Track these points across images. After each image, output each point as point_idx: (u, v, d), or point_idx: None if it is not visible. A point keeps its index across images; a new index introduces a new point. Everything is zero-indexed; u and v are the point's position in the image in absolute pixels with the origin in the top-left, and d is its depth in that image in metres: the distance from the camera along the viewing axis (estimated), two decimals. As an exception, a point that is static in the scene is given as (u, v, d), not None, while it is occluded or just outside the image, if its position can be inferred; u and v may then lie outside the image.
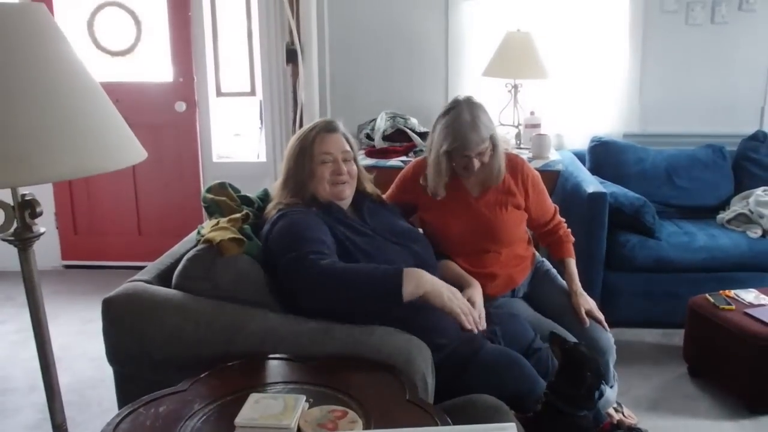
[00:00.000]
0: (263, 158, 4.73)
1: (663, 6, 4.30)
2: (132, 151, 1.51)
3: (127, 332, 1.92)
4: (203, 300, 1.97)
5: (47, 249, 4.64)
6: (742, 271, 3.55)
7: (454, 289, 2.02)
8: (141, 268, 2.16)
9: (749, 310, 2.98)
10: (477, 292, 2.34)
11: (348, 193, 2.32)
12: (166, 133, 4.60)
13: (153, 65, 4.64)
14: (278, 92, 4.52)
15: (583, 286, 2.63)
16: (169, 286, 2.06)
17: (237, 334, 1.89)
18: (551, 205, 2.71)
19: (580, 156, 4.19)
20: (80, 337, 3.68)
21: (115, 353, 1.95)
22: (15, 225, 1.50)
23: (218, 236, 2.01)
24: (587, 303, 2.54)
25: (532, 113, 4.18)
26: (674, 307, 3.42)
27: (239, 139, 5.05)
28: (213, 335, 1.89)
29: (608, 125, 4.42)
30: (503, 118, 4.23)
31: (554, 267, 2.76)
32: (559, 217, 2.72)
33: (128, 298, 1.95)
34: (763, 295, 3.11)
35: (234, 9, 4.57)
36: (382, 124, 4.07)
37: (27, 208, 1.50)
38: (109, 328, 1.94)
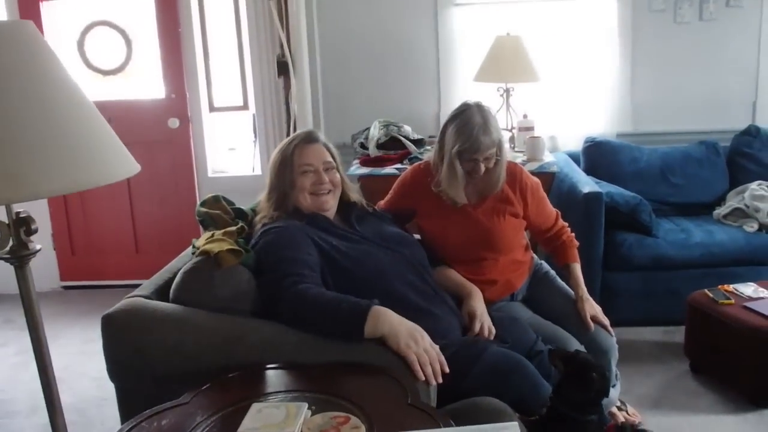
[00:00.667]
0: (258, 171, 4.73)
1: (651, 5, 4.32)
2: (125, 164, 1.51)
3: (127, 347, 1.92)
4: (202, 312, 1.96)
5: (45, 270, 4.64)
6: (740, 266, 3.55)
7: (420, 333, 1.87)
8: (139, 286, 2.16)
9: (749, 304, 2.98)
10: (478, 302, 2.34)
11: (331, 203, 2.32)
12: (160, 149, 4.61)
13: (145, 83, 4.65)
14: (271, 105, 4.52)
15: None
16: (167, 300, 2.06)
17: (237, 345, 1.89)
18: (552, 211, 2.70)
19: (574, 157, 4.20)
20: (81, 357, 3.67)
21: (116, 369, 1.95)
22: (11, 243, 1.50)
23: (216, 247, 2.01)
24: (593, 308, 2.53)
25: (525, 116, 4.19)
26: (674, 305, 3.42)
27: (234, 154, 5.05)
28: (213, 347, 1.89)
29: (601, 125, 4.44)
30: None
31: (558, 272, 2.74)
32: (561, 222, 2.71)
33: (127, 314, 1.95)
34: (762, 289, 3.12)
35: (224, 23, 4.58)
36: (375, 132, 4.08)
37: (22, 225, 1.50)
38: (109, 344, 1.94)
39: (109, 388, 2.02)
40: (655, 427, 2.64)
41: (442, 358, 1.85)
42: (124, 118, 4.39)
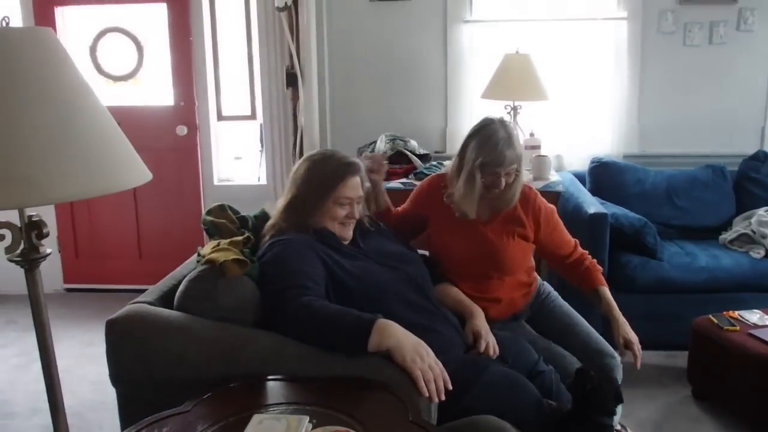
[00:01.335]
0: (264, 181, 4.75)
1: (661, 27, 4.33)
2: (137, 172, 1.52)
3: (129, 353, 1.92)
4: (205, 321, 1.96)
5: (49, 272, 4.63)
6: (746, 292, 3.55)
7: (425, 349, 1.86)
8: (142, 291, 2.16)
9: (753, 331, 2.96)
10: (481, 321, 2.33)
11: (351, 233, 2.32)
12: (167, 156, 4.62)
13: (154, 90, 4.68)
14: (278, 116, 4.55)
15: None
16: (171, 307, 2.06)
17: (239, 355, 1.88)
18: (570, 239, 2.65)
19: (580, 177, 4.21)
20: (81, 360, 3.66)
21: (117, 374, 1.94)
22: (22, 246, 1.51)
23: (221, 257, 2.01)
24: (628, 334, 2.44)
25: (531, 134, 4.20)
26: (677, 329, 3.41)
27: (240, 163, 5.06)
28: (215, 356, 1.89)
29: (608, 146, 4.44)
30: (503, 140, 4.24)
31: (583, 298, 2.66)
32: (581, 250, 2.65)
33: (131, 320, 1.95)
34: (767, 316, 3.10)
35: (234, 33, 4.61)
36: (382, 146, 4.09)
37: (34, 229, 1.50)
38: (111, 349, 1.93)
39: (109, 393, 2.02)
40: (656, 452, 2.63)
41: (446, 375, 1.84)
42: (132, 124, 4.38)
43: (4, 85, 1.34)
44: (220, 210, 2.38)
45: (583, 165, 4.35)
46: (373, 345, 1.83)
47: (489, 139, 2.41)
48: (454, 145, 4.47)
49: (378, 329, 1.85)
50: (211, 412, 1.66)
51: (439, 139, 4.57)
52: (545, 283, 2.79)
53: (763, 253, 3.64)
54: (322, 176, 2.26)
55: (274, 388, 1.82)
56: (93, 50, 4.55)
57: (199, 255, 2.18)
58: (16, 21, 4.48)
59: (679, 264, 3.61)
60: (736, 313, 3.14)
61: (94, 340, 3.75)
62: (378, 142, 4.17)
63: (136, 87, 4.69)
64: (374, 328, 1.84)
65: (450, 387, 1.83)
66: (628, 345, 2.42)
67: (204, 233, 2.38)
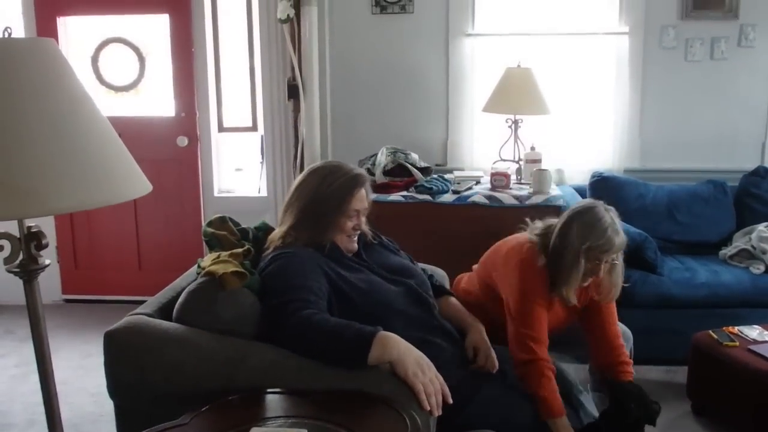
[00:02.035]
0: (264, 193, 4.75)
1: (662, 42, 4.35)
2: (137, 184, 1.51)
3: (128, 365, 1.91)
4: (204, 333, 1.96)
5: (48, 283, 4.62)
6: (746, 307, 3.54)
7: (426, 363, 1.87)
8: (141, 302, 2.15)
9: (753, 347, 2.95)
10: (481, 336, 2.32)
11: (356, 245, 2.31)
12: (167, 167, 4.62)
13: (156, 100, 4.69)
14: (279, 127, 4.56)
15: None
16: (170, 319, 2.05)
17: (238, 368, 1.88)
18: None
19: (580, 191, 4.20)
20: (79, 371, 3.65)
21: (115, 386, 1.94)
22: (21, 257, 1.50)
23: (220, 269, 2.01)
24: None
25: (532, 148, 4.19)
26: (677, 344, 3.39)
27: (240, 174, 5.07)
28: (214, 369, 1.88)
29: (609, 160, 4.45)
30: (504, 153, 4.25)
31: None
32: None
33: (130, 331, 1.94)
34: (767, 332, 3.09)
35: (236, 45, 4.63)
36: (383, 159, 4.09)
37: (33, 240, 1.50)
38: (110, 361, 1.93)
39: (107, 404, 2.01)
40: (655, 469, 2.61)
41: (446, 389, 1.84)
42: (133, 135, 4.38)
43: (5, 96, 1.34)
44: (221, 222, 2.37)
45: (584, 179, 4.35)
46: (374, 358, 1.83)
47: (597, 222, 2.32)
48: (455, 159, 4.50)
49: (379, 342, 1.84)
50: (209, 425, 1.66)
51: (441, 152, 4.57)
52: None
53: (763, 268, 3.64)
54: (332, 191, 2.24)
55: (273, 401, 1.81)
56: (95, 60, 4.56)
57: (199, 267, 2.17)
58: (18, 31, 4.49)
59: (679, 279, 3.61)
60: (736, 328, 3.13)
61: (92, 351, 3.74)
62: (379, 154, 4.17)
63: (138, 97, 4.70)
64: (375, 341, 1.84)
65: (450, 401, 1.82)
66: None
67: (204, 245, 2.37)
